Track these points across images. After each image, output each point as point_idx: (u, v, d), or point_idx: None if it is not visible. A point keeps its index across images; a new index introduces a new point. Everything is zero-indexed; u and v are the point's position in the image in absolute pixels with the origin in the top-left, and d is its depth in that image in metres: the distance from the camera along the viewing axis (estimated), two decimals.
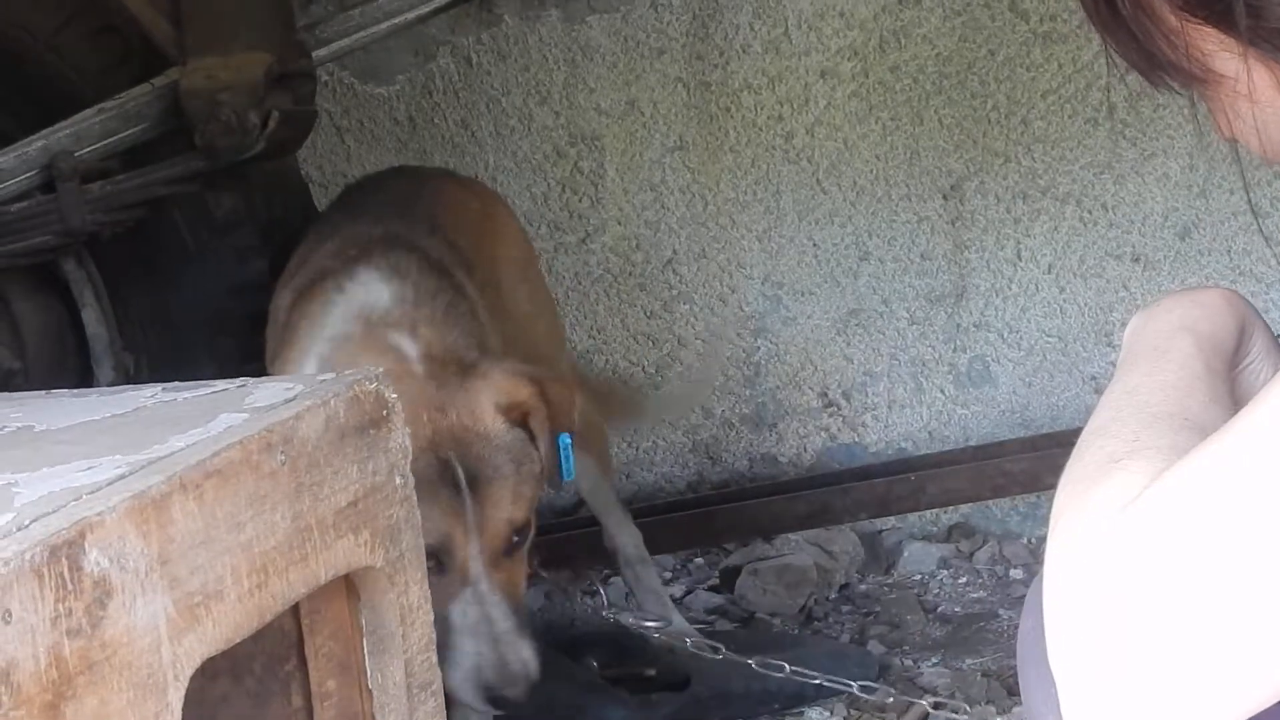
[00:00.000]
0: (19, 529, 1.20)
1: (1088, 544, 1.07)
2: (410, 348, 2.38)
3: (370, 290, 2.46)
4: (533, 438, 2.36)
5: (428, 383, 2.35)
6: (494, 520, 2.31)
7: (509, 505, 2.32)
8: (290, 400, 1.50)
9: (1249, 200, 3.43)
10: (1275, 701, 1.03)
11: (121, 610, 1.22)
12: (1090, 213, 3.66)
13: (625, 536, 3.08)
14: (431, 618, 1.60)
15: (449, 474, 2.30)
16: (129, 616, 1.22)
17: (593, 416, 3.15)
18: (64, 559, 1.18)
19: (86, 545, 1.20)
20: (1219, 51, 1.21)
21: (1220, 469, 1.05)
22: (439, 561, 2.28)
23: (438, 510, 2.26)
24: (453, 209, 2.79)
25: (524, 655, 2.30)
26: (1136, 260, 3.68)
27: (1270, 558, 1.01)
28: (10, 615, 1.12)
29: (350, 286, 2.47)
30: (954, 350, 3.69)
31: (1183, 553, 1.03)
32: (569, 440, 2.39)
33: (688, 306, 3.68)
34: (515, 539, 2.33)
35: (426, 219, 2.66)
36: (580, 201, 3.64)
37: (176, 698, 1.27)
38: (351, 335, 2.42)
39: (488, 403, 2.35)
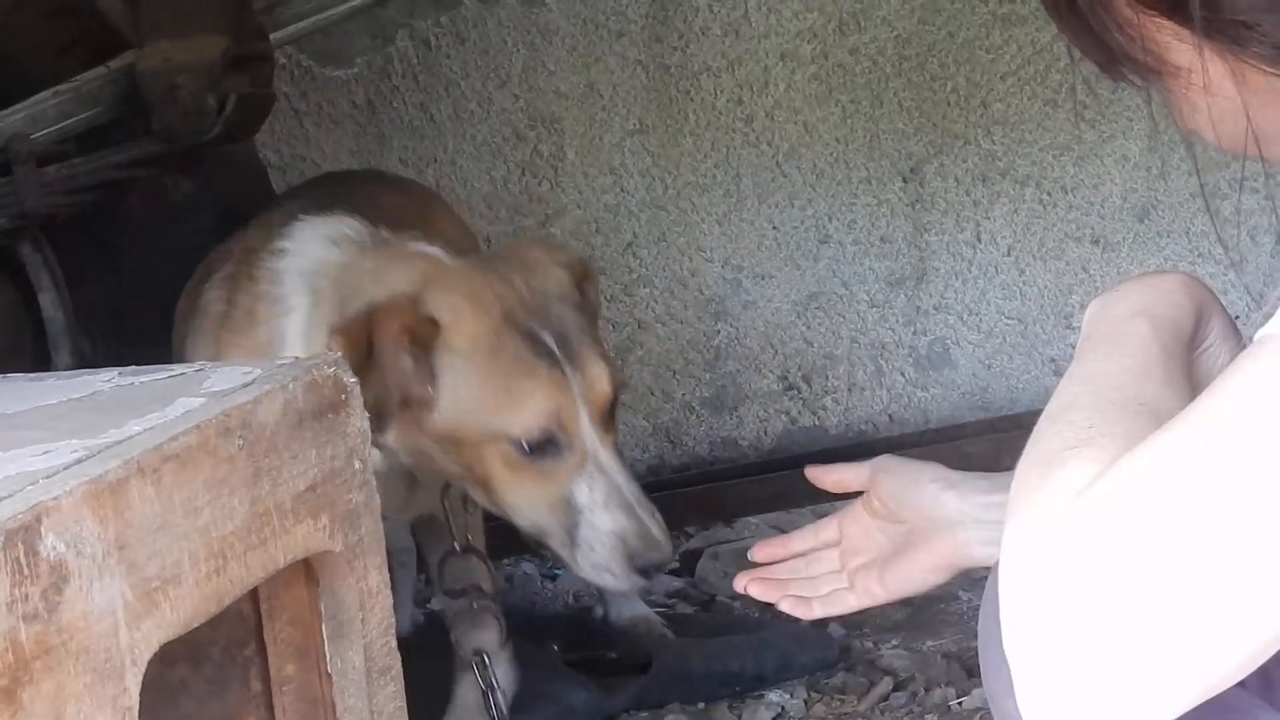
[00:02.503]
0: None
1: (1041, 532, 1.08)
2: (423, 245, 2.27)
3: (324, 230, 2.33)
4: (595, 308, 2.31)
5: (467, 265, 2.22)
6: (599, 382, 2.20)
7: (606, 364, 2.22)
8: (248, 385, 1.49)
9: (1200, 185, 3.44)
10: (1224, 688, 1.04)
11: (78, 595, 1.21)
12: (1050, 195, 3.67)
13: None
14: (391, 603, 1.59)
15: (539, 345, 2.17)
16: (86, 601, 1.22)
17: None
18: (20, 543, 1.17)
19: (43, 530, 1.19)
20: (1174, 43, 1.22)
21: (1173, 459, 1.05)
22: (552, 442, 2.17)
23: (541, 386, 2.16)
24: (383, 199, 2.65)
25: (660, 520, 2.20)
26: (1096, 242, 3.69)
27: (1221, 547, 1.02)
28: None
29: (297, 243, 2.32)
30: (914, 333, 3.70)
31: (1134, 542, 1.04)
32: None
33: (648, 290, 3.68)
34: (612, 406, 2.24)
35: (354, 207, 2.48)
36: (540, 185, 3.64)
37: (134, 682, 1.26)
38: (349, 264, 2.26)
39: (549, 262, 2.26)
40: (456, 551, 2.44)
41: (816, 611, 1.73)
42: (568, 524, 2.16)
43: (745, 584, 1.75)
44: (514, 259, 2.26)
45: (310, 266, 2.31)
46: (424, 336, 2.15)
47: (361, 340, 2.12)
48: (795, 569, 1.75)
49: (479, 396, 2.17)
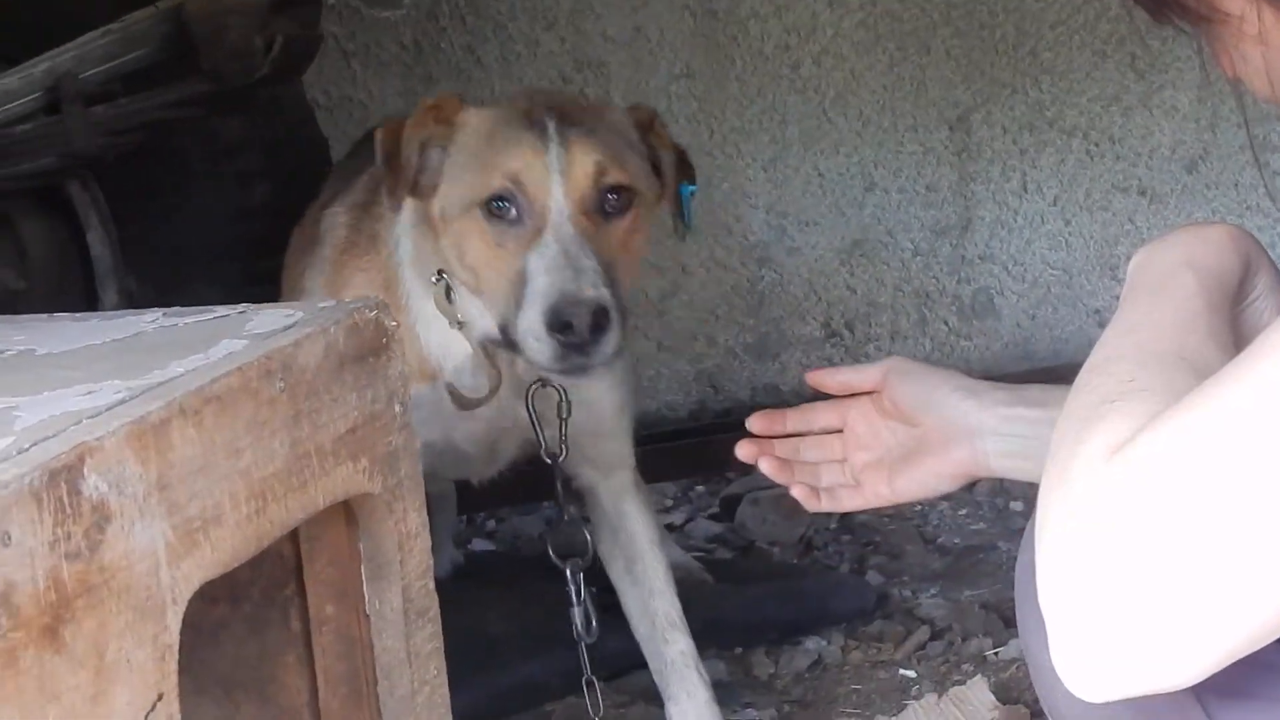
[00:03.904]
0: (18, 452, 1.20)
1: (1078, 486, 1.07)
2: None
3: None
4: (665, 158, 2.26)
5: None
6: (582, 161, 2.14)
7: (605, 155, 2.15)
8: (290, 327, 1.50)
9: (1250, 137, 3.42)
10: (1252, 650, 1.04)
11: (120, 534, 1.22)
12: (1097, 145, 3.65)
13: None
14: (429, 545, 1.61)
15: (537, 126, 2.16)
16: (127, 541, 1.23)
17: (634, 376, 3.13)
18: (63, 483, 1.18)
19: (85, 470, 1.20)
20: None
21: (1213, 419, 1.05)
22: (514, 206, 2.14)
23: (514, 150, 2.14)
24: None
25: (604, 292, 2.08)
26: (1143, 193, 3.67)
27: (1256, 508, 1.02)
28: (9, 538, 1.13)
29: None
30: (958, 282, 3.69)
31: (1171, 501, 1.03)
32: (691, 191, 2.28)
33: (692, 235, 3.68)
34: (612, 197, 2.16)
35: None
36: None
37: (175, 621, 1.28)
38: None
39: (618, 107, 2.27)
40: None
41: (823, 505, 1.72)
42: (519, 296, 2.12)
43: (751, 455, 1.74)
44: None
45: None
46: (444, 128, 2.22)
47: (397, 132, 2.21)
48: (794, 449, 1.74)
49: (465, 168, 2.20)
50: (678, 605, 2.50)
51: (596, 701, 2.44)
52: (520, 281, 2.11)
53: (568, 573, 2.39)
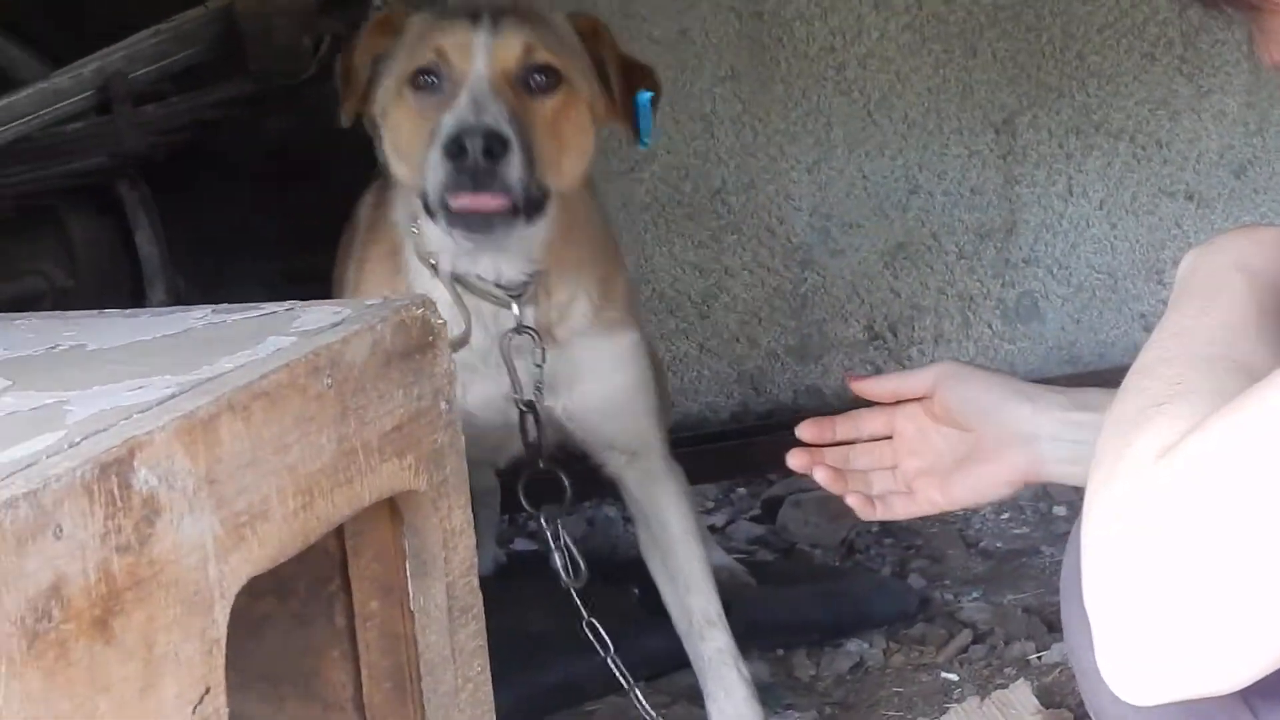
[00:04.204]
0: (70, 446, 1.21)
1: (1125, 488, 1.07)
2: None
3: None
4: (609, 67, 2.26)
5: None
6: (510, 37, 2.18)
7: (533, 34, 2.19)
8: (337, 324, 1.51)
9: None
10: None
11: (169, 528, 1.24)
12: (1144, 149, 3.64)
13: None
14: (473, 543, 1.61)
15: (475, 12, 2.20)
16: (176, 534, 1.24)
17: (657, 361, 3.14)
18: (114, 477, 1.19)
19: (136, 464, 1.21)
20: None
21: (1265, 420, 1.04)
22: (435, 77, 2.18)
23: (442, 29, 2.19)
24: None
25: (506, 128, 2.09)
26: (1190, 198, 3.66)
27: None
28: (61, 531, 1.14)
29: None
30: (1002, 285, 3.68)
31: (1221, 502, 1.03)
32: (649, 99, 2.27)
33: (735, 237, 3.68)
34: (539, 77, 2.19)
35: None
36: None
37: (222, 615, 1.29)
38: None
39: (560, 14, 2.29)
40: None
41: (878, 513, 1.71)
42: (428, 153, 2.14)
43: (804, 465, 1.72)
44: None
45: None
46: (392, 39, 2.27)
47: (352, 49, 2.29)
48: (844, 457, 1.72)
49: (399, 59, 2.24)
50: (716, 601, 2.48)
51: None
52: (430, 140, 2.12)
53: (541, 520, 2.38)
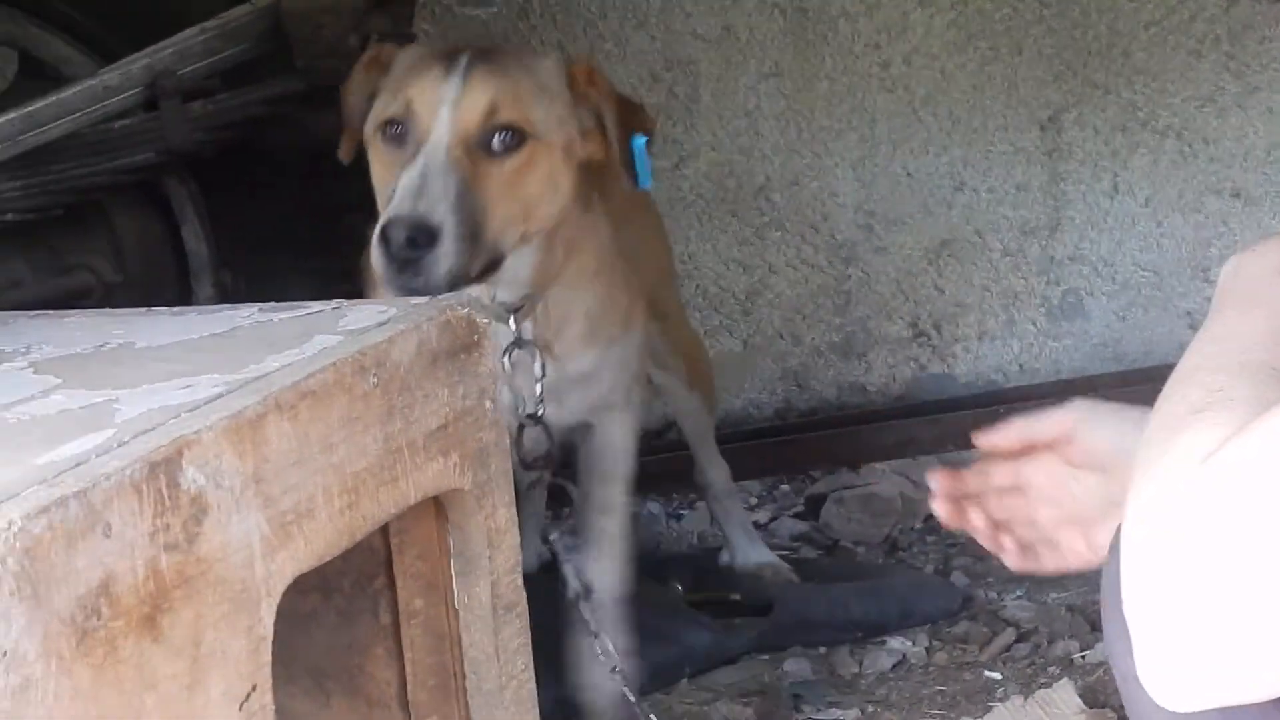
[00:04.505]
0: (119, 445, 1.23)
1: (1164, 497, 1.07)
2: None
3: None
4: (604, 116, 2.28)
5: None
6: (476, 94, 2.19)
7: (501, 91, 2.20)
8: (383, 324, 1.52)
9: None
10: None
11: (217, 527, 1.25)
12: (1190, 146, 3.62)
13: (717, 472, 3.09)
14: (518, 541, 1.62)
15: (453, 58, 2.23)
16: (224, 533, 1.26)
17: (702, 355, 3.15)
18: (162, 476, 1.21)
19: (184, 463, 1.23)
20: None
21: None
22: (403, 128, 2.21)
23: (413, 79, 2.22)
24: None
25: (437, 211, 2.11)
26: (1236, 195, 3.64)
27: None
28: (110, 529, 1.16)
29: None
30: (1047, 283, 3.68)
31: (1262, 508, 1.02)
32: (644, 143, 2.28)
33: (779, 234, 3.68)
34: (502, 135, 2.20)
35: None
36: (674, 127, 3.64)
37: (269, 612, 1.30)
38: None
39: (554, 57, 2.33)
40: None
41: (1029, 565, 1.61)
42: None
43: (954, 519, 1.60)
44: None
45: None
46: (382, 74, 2.31)
47: (348, 86, 2.35)
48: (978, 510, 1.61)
49: (382, 95, 2.28)
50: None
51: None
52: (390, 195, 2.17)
53: (549, 538, 2.42)
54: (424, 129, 2.19)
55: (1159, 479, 1.08)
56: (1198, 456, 1.06)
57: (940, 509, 1.61)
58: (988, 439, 1.59)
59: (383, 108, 2.26)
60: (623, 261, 2.50)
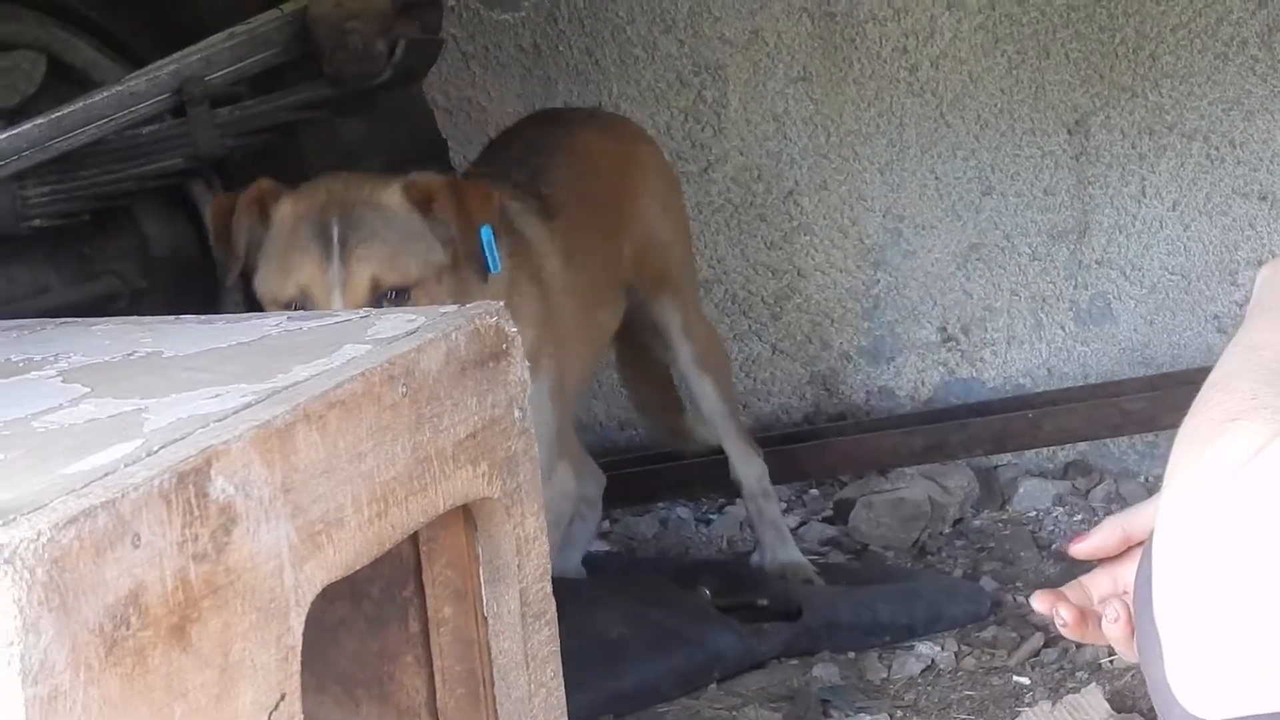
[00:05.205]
0: (148, 455, 1.23)
1: (1197, 506, 1.06)
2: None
3: None
4: (450, 228, 2.45)
5: (342, 176, 2.53)
6: (357, 274, 2.40)
7: (379, 263, 2.41)
8: (412, 333, 1.52)
9: None
10: None
11: (246, 536, 1.25)
12: (1217, 149, 3.61)
13: (749, 469, 3.09)
14: (547, 549, 1.62)
15: (324, 231, 2.42)
16: (253, 543, 1.26)
17: (715, 339, 3.17)
18: (191, 485, 1.21)
19: (213, 472, 1.23)
20: None
21: None
22: (305, 310, 2.37)
23: (301, 264, 2.41)
24: (585, 154, 2.90)
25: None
26: (1264, 199, 3.63)
27: None
28: (139, 539, 1.16)
29: None
30: (1075, 287, 3.66)
31: None
32: (490, 233, 2.46)
33: (808, 238, 3.68)
34: (389, 295, 2.41)
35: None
36: (703, 131, 3.64)
37: (298, 622, 1.30)
38: None
39: (394, 185, 2.48)
40: None
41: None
42: None
43: (1079, 630, 1.41)
44: (380, 180, 2.53)
45: None
46: (263, 217, 2.49)
47: (226, 217, 2.51)
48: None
49: (270, 267, 2.48)
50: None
51: None
52: None
53: None
54: (324, 309, 2.38)
55: (1192, 487, 1.08)
56: (1231, 465, 1.06)
57: (1068, 622, 1.40)
58: (1086, 548, 1.44)
59: (278, 284, 2.44)
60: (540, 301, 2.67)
